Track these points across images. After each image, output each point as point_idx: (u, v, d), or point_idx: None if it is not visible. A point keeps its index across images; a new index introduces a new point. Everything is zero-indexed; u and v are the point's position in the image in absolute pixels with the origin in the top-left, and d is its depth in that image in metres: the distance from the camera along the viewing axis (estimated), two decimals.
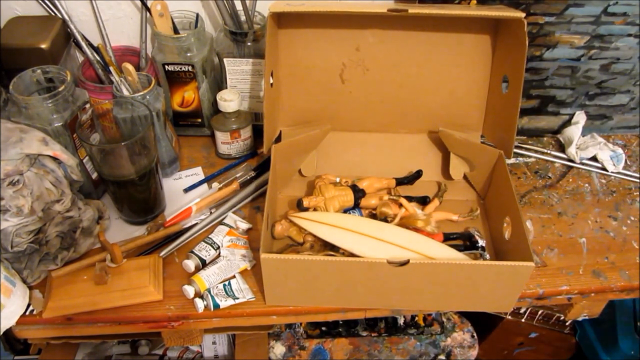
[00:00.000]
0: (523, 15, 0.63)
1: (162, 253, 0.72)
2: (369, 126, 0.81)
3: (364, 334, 1.00)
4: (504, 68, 0.73)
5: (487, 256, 0.71)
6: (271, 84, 0.72)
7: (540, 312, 1.09)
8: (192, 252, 0.71)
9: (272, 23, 0.67)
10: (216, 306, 0.66)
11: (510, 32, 0.68)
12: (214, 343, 1.02)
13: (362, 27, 0.73)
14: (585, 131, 0.90)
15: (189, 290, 0.67)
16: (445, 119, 0.79)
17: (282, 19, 0.71)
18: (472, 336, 1.01)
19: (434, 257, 0.64)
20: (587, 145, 0.88)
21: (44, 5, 0.81)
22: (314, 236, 0.70)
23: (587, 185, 0.86)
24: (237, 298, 0.67)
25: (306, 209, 0.70)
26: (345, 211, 0.74)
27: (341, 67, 0.76)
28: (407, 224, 0.70)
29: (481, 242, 0.70)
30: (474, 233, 0.71)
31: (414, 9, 0.64)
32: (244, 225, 0.76)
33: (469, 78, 0.77)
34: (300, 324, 1.00)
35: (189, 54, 0.80)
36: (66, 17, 0.80)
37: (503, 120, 0.74)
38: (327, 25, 0.73)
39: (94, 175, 0.77)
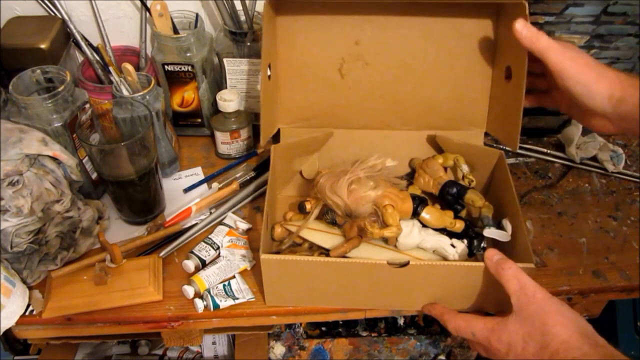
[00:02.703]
0: None
1: (162, 253, 0.72)
2: (369, 123, 0.81)
3: (364, 334, 1.00)
4: (507, 57, 0.71)
5: None
6: (269, 76, 0.71)
7: None
8: (192, 252, 0.71)
9: (269, 9, 0.66)
10: (216, 306, 0.66)
11: (511, 18, 0.68)
12: (214, 343, 1.02)
13: (361, 13, 0.71)
14: (585, 131, 0.90)
15: (189, 291, 0.67)
16: (448, 115, 0.78)
17: (280, 5, 0.70)
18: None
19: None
20: (587, 145, 0.88)
21: (44, 5, 0.81)
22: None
23: (587, 185, 0.86)
24: (237, 298, 0.67)
25: (308, 213, 0.70)
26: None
27: (340, 62, 0.75)
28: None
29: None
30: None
31: None
32: (243, 225, 0.76)
33: (471, 68, 0.75)
34: (300, 324, 1.00)
35: (188, 54, 0.80)
36: (66, 17, 0.80)
37: (507, 112, 0.73)
38: (325, 12, 0.71)
39: (94, 176, 0.77)
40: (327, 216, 0.69)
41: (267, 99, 0.72)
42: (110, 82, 0.79)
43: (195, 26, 0.83)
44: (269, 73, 0.71)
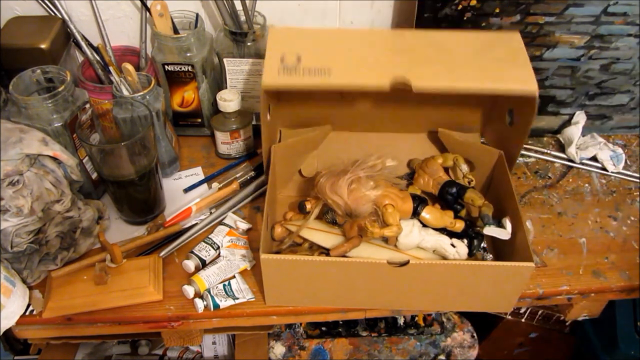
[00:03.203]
0: (536, 91, 0.58)
1: (162, 253, 0.72)
2: (369, 127, 0.81)
3: (364, 334, 1.00)
4: (509, 103, 0.72)
5: (490, 256, 0.71)
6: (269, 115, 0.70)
7: (540, 312, 1.09)
8: (192, 252, 0.71)
9: (266, 98, 0.62)
10: (216, 306, 0.66)
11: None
12: (214, 343, 1.02)
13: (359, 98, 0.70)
14: (585, 131, 0.90)
15: (189, 291, 0.67)
16: (447, 125, 0.79)
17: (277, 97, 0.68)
18: (472, 336, 1.01)
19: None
20: (587, 145, 0.88)
21: (44, 5, 0.81)
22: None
23: (587, 185, 0.86)
24: (237, 298, 0.67)
25: (308, 212, 0.70)
26: None
27: None
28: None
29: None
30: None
31: (419, 82, 0.57)
32: (243, 225, 0.76)
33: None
34: (300, 324, 1.00)
35: (188, 54, 0.80)
36: (66, 17, 0.80)
37: (506, 148, 0.73)
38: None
39: (94, 175, 0.77)
40: (327, 216, 0.69)
41: (268, 136, 0.71)
42: (110, 82, 0.79)
43: (196, 26, 0.83)
44: (269, 117, 0.69)
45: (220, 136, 0.85)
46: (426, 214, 0.68)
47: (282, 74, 0.59)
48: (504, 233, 0.66)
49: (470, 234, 0.69)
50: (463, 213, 0.73)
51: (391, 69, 0.59)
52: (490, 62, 0.61)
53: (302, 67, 0.59)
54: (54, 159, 0.65)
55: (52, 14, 0.81)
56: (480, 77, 0.60)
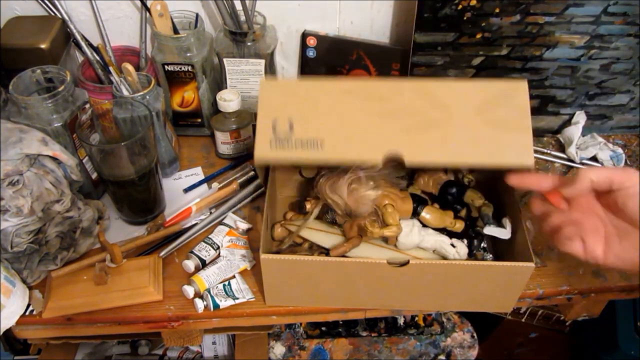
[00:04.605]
0: (532, 165, 0.57)
1: (162, 253, 0.72)
2: None
3: (364, 334, 1.00)
4: None
5: (490, 256, 0.71)
6: None
7: (540, 312, 1.09)
8: (192, 252, 0.71)
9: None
10: (216, 306, 0.66)
11: None
12: (214, 343, 1.02)
13: None
14: (585, 131, 0.90)
15: (189, 291, 0.67)
16: None
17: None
18: (472, 336, 1.01)
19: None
20: (587, 145, 0.88)
21: (44, 5, 0.81)
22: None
23: None
24: (237, 298, 0.67)
25: (306, 213, 0.70)
26: None
27: None
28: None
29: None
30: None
31: (412, 157, 0.57)
32: (243, 225, 0.76)
33: None
34: (300, 324, 1.00)
35: (188, 54, 0.80)
36: (66, 17, 0.80)
37: None
38: None
39: (94, 175, 0.77)
40: (327, 216, 0.69)
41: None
42: (110, 82, 0.79)
43: (195, 26, 0.83)
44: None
45: (220, 136, 0.85)
46: (426, 214, 0.68)
47: (274, 147, 0.59)
48: (504, 232, 0.66)
49: (470, 234, 0.69)
50: (463, 213, 0.73)
51: (384, 139, 0.58)
52: (489, 127, 0.59)
53: (294, 139, 0.59)
54: (54, 159, 0.65)
55: (52, 14, 0.81)
56: (476, 149, 0.58)
